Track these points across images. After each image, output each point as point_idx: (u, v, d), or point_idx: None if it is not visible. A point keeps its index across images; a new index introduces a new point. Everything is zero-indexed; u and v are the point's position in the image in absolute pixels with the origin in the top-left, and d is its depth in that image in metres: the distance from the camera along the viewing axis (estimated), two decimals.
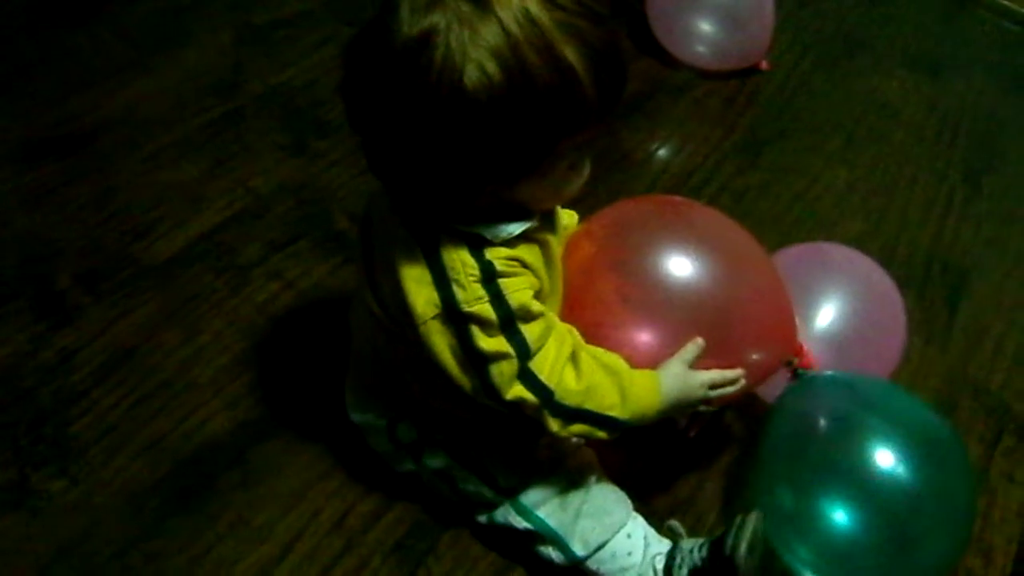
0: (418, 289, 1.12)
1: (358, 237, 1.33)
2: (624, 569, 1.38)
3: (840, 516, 1.31)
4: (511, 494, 1.39)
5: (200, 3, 2.60)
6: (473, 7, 0.96)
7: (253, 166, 2.11)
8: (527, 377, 1.16)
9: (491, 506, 1.42)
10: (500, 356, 1.13)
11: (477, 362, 1.14)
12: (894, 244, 2.16)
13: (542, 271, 1.20)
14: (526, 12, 0.96)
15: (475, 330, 1.12)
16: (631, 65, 1.15)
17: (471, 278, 1.11)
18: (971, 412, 1.83)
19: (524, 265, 1.16)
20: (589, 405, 1.21)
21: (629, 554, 1.38)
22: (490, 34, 0.96)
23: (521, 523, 1.39)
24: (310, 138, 2.21)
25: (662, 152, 2.38)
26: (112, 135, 2.15)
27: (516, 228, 1.13)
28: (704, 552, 1.36)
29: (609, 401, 1.22)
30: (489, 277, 1.11)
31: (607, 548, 1.37)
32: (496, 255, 1.12)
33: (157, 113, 2.22)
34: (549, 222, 1.24)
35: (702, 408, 1.34)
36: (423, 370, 1.22)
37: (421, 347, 1.16)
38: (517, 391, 1.16)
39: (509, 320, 1.12)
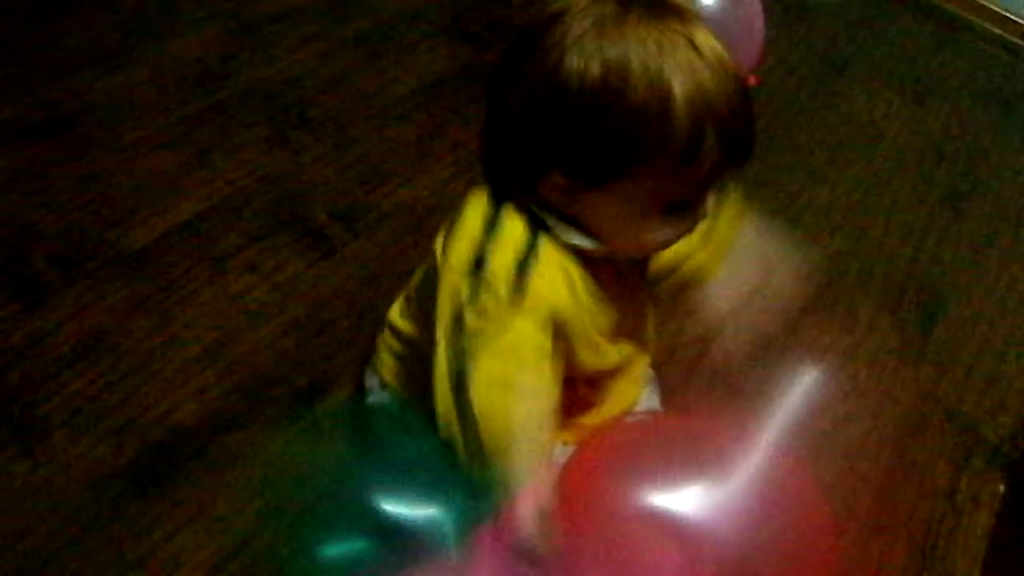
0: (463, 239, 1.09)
1: None
2: None
3: None
4: None
5: None
6: (616, 15, 0.98)
7: (234, 158, 2.11)
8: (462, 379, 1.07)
9: None
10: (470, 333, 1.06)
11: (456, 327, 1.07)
12: (872, 264, 2.17)
13: (585, 303, 1.13)
14: (657, 39, 0.96)
15: (482, 297, 1.06)
16: None
17: (510, 254, 1.07)
18: (941, 433, 1.84)
19: (568, 285, 1.10)
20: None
21: None
22: (611, 39, 0.97)
23: None
24: (293, 133, 2.21)
25: None
26: (94, 121, 2.14)
27: (582, 240, 1.09)
28: None
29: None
30: (523, 265, 1.07)
31: None
32: (548, 246, 1.08)
33: (141, 101, 2.22)
34: (633, 260, 1.22)
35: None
36: None
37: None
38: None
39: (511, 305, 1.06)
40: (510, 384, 1.07)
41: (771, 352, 1.85)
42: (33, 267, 1.80)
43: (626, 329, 1.24)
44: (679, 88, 0.96)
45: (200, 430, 1.58)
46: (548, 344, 1.10)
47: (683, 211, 1.07)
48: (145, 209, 1.95)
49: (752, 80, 2.62)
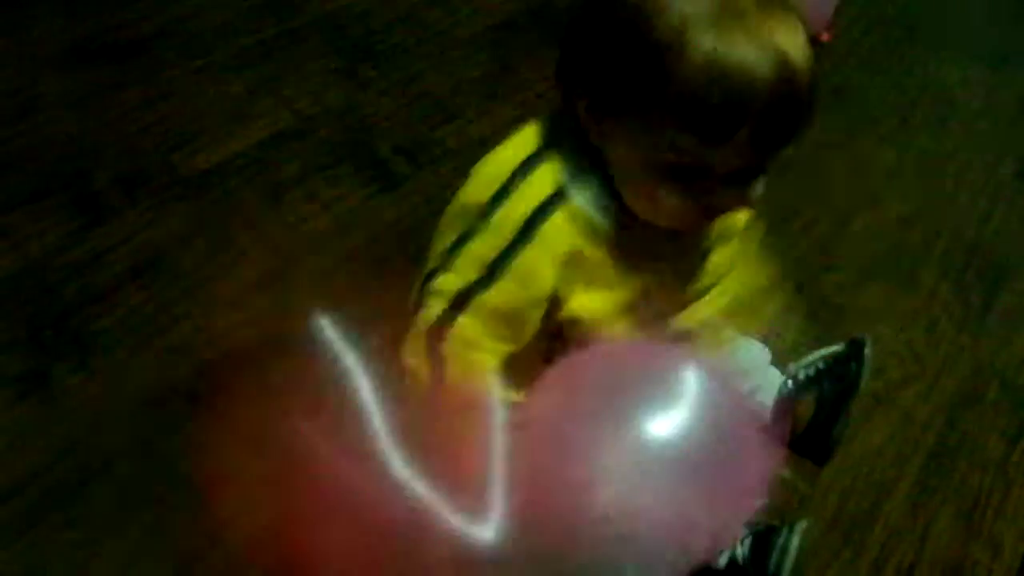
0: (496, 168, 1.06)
1: None
2: None
3: None
4: None
5: None
6: None
7: (301, 87, 2.11)
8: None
9: None
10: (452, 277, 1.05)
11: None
12: (937, 230, 2.13)
13: (601, 274, 1.08)
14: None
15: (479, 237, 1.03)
16: None
17: (524, 202, 1.03)
18: (995, 405, 1.81)
19: (575, 259, 1.05)
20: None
21: None
22: None
23: None
24: (361, 65, 2.20)
25: None
26: (164, 44, 2.15)
27: (601, 196, 1.05)
28: (747, 548, 1.34)
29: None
30: (532, 220, 1.03)
31: None
32: (570, 211, 1.04)
33: (211, 27, 2.23)
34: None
35: None
36: None
37: None
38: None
39: (495, 268, 1.03)
40: (479, 346, 1.06)
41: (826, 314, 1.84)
42: (96, 185, 1.82)
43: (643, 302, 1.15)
44: (707, 44, 0.90)
45: (252, 354, 1.59)
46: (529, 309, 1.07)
47: (696, 183, 1.00)
48: (210, 134, 1.96)
49: (825, 36, 2.59)
